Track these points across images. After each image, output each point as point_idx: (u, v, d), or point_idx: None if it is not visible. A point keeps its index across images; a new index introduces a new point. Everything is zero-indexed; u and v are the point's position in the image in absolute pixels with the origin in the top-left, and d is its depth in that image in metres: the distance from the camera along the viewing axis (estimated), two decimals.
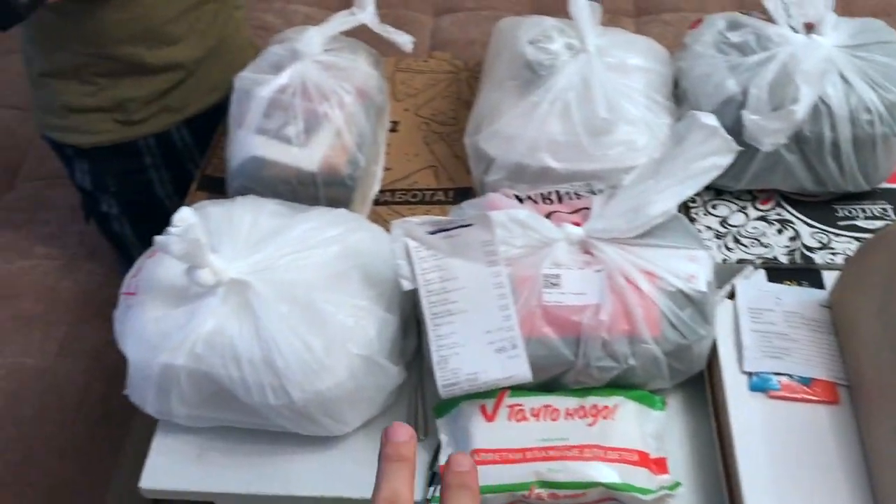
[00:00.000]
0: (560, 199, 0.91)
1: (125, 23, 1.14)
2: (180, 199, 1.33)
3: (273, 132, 1.00)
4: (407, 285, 0.81)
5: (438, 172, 1.09)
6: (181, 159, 1.30)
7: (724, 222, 0.99)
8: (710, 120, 0.82)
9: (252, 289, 0.81)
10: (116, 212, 1.31)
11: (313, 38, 1.00)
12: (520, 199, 0.91)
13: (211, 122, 1.16)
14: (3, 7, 0.88)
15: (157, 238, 0.78)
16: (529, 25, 1.03)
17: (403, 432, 0.43)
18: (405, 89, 1.20)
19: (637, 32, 1.86)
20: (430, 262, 0.82)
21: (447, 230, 0.81)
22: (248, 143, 0.99)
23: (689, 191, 0.83)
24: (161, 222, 1.33)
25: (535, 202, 0.91)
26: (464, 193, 1.05)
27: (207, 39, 1.24)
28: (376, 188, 1.07)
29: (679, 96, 1.05)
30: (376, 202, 1.05)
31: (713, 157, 0.83)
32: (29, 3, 0.90)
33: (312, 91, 0.99)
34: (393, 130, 1.15)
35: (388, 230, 1.01)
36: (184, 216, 0.79)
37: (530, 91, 0.99)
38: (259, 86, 0.99)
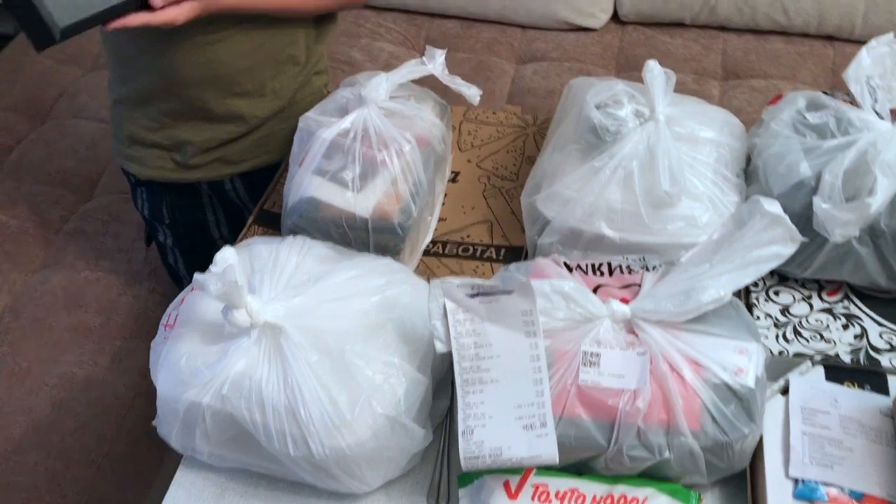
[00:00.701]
0: (611, 272, 0.87)
1: (196, 65, 1.16)
2: (234, 239, 1.34)
3: (331, 174, 1.00)
4: (441, 347, 0.79)
5: (493, 228, 1.07)
6: (237, 207, 1.32)
7: (785, 311, 0.94)
8: (775, 207, 0.77)
9: (285, 334, 0.80)
10: (171, 243, 1.33)
11: (380, 85, 1.00)
12: (569, 268, 0.88)
13: (267, 179, 1.17)
14: (40, 27, 0.90)
15: (197, 276, 0.78)
16: (599, 88, 1.00)
17: None
18: (470, 140, 1.19)
19: (723, 97, 1.81)
20: (467, 325, 0.80)
21: (487, 295, 0.79)
22: (305, 182, 0.99)
23: (746, 279, 0.79)
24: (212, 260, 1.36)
25: (585, 272, 0.88)
26: (516, 253, 1.03)
27: (279, 100, 1.25)
28: (428, 238, 1.05)
29: (750, 174, 1.01)
30: (426, 252, 1.04)
31: (775, 245, 0.78)
32: (68, 27, 0.91)
33: (373, 137, 0.98)
34: (453, 181, 1.13)
35: (436, 277, 1.00)
36: (225, 256, 0.79)
37: (593, 155, 0.96)
38: (322, 128, 1.00)
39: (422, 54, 2.01)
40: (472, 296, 0.80)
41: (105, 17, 0.94)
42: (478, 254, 1.03)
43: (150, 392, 1.41)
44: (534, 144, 1.17)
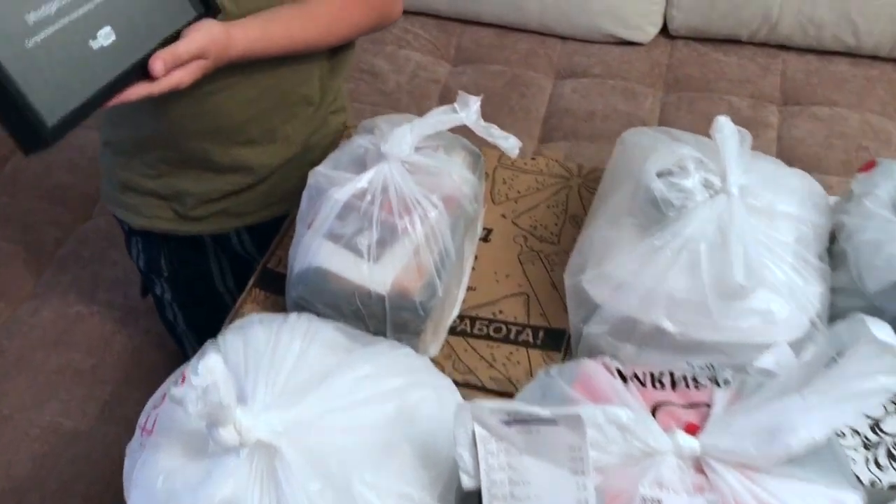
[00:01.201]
0: (674, 385, 0.73)
1: (196, 117, 1.02)
2: (240, 292, 1.20)
3: (344, 239, 0.86)
4: (468, 483, 0.65)
5: (530, 303, 0.92)
6: (244, 259, 1.18)
7: (876, 426, 0.79)
8: (885, 333, 0.62)
9: (280, 455, 0.67)
10: (169, 297, 1.19)
11: (403, 138, 0.85)
12: (623, 377, 0.74)
13: (277, 231, 1.03)
14: (26, 129, 0.73)
15: (173, 391, 0.65)
16: (661, 151, 0.85)
17: None
18: (505, 190, 1.04)
19: (782, 126, 1.65)
20: (501, 458, 0.66)
21: (527, 423, 0.65)
22: (313, 249, 0.86)
23: (844, 417, 0.64)
24: (218, 315, 1.21)
25: (642, 384, 0.73)
26: (556, 337, 0.88)
27: (291, 146, 1.10)
28: (455, 313, 0.91)
29: (835, 256, 0.86)
30: (452, 330, 0.90)
31: (882, 376, 0.63)
32: (58, 125, 0.75)
33: (393, 200, 0.84)
34: (485, 240, 0.99)
35: (461, 366, 0.86)
36: (210, 366, 0.65)
37: (652, 232, 0.81)
38: (334, 186, 0.86)
39: (452, 65, 1.87)
40: (508, 423, 0.66)
41: (101, 98, 0.79)
42: (512, 335, 0.89)
43: None
44: (578, 200, 1.02)
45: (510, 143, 0.91)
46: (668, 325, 0.80)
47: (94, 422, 1.25)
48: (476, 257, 0.97)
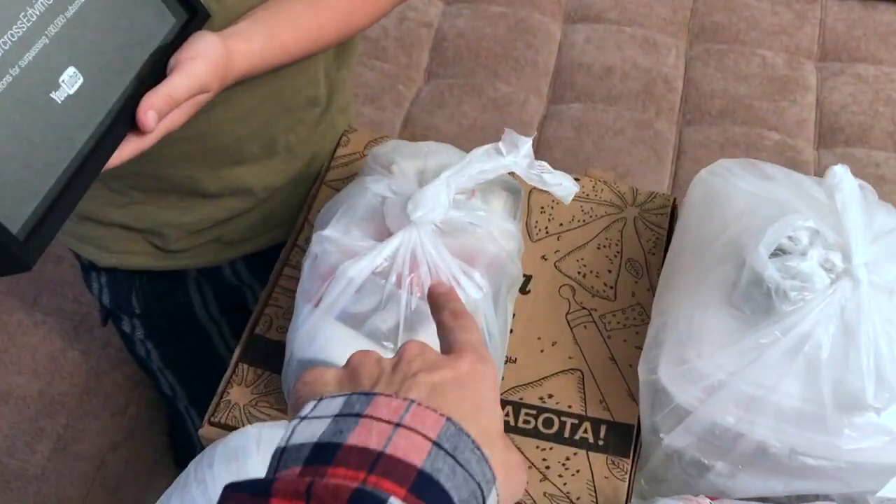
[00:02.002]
0: None
1: (181, 140, 0.74)
2: (227, 320, 1.01)
3: (359, 319, 0.67)
4: None
5: (585, 383, 0.75)
6: (234, 287, 0.98)
7: None
8: None
9: None
10: (141, 335, 0.98)
11: (438, 200, 0.65)
12: None
13: (278, 256, 0.83)
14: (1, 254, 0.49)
15: None
16: (766, 213, 0.67)
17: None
18: (545, 222, 0.85)
19: (821, 87, 1.46)
20: None
21: None
22: (320, 332, 0.67)
23: None
24: (198, 347, 1.02)
25: None
26: (624, 435, 0.72)
27: (297, 159, 0.88)
28: None
29: None
30: None
31: None
32: (38, 246, 0.51)
33: (424, 280, 0.65)
34: (523, 291, 0.81)
35: None
36: None
37: (758, 326, 0.64)
38: (346, 258, 0.66)
39: (446, 3, 1.62)
40: None
41: (88, 171, 0.55)
42: (566, 432, 0.72)
43: (107, 489, 1.12)
44: (635, 239, 0.84)
45: (566, 191, 0.71)
46: (773, 440, 0.64)
47: (46, 462, 1.07)
48: (514, 314, 0.79)
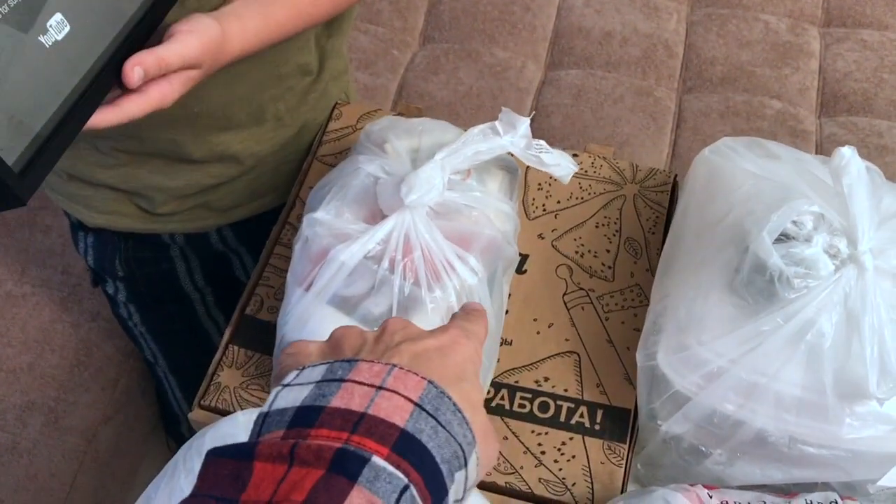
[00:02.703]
0: None
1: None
2: (213, 290, 0.99)
3: (351, 303, 0.66)
4: None
5: (581, 365, 0.74)
6: (220, 254, 0.96)
7: None
8: None
9: None
10: (123, 298, 0.97)
11: (432, 182, 0.63)
12: None
13: (268, 223, 0.81)
14: None
15: None
16: (771, 197, 0.65)
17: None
18: (542, 199, 0.83)
19: (825, 54, 1.43)
20: None
21: None
22: (312, 317, 0.65)
23: None
24: (181, 316, 1.00)
25: None
26: (621, 419, 0.71)
27: (286, 128, 0.86)
28: (488, 379, 0.73)
29: None
30: (487, 405, 0.72)
31: None
32: (32, 181, 0.51)
33: (419, 266, 0.64)
34: (520, 271, 0.79)
35: (503, 463, 0.69)
36: None
37: (760, 313, 0.63)
38: (338, 242, 0.64)
39: None
40: None
41: (78, 115, 0.55)
42: (562, 416, 0.71)
43: (97, 464, 1.11)
44: (634, 217, 0.82)
45: (566, 169, 0.69)
46: (771, 427, 0.63)
47: (38, 436, 1.06)
48: (510, 294, 0.77)
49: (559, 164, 0.69)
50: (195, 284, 0.97)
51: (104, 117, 0.57)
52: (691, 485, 0.61)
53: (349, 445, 0.33)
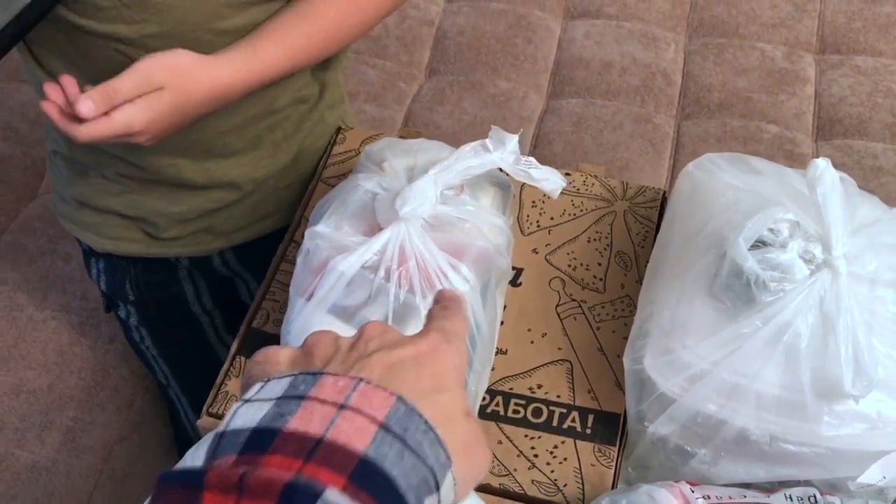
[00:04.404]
0: None
1: None
2: (221, 313, 1.03)
3: (349, 312, 0.69)
4: None
5: (574, 373, 0.77)
6: (225, 279, 1.00)
7: None
8: None
9: None
10: (135, 321, 1.02)
11: (425, 195, 0.67)
12: None
13: (269, 246, 0.85)
14: None
15: None
16: (749, 206, 0.68)
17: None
18: (536, 216, 0.87)
19: (820, 79, 1.46)
20: None
21: None
22: (313, 326, 0.69)
23: None
24: (191, 338, 1.04)
25: None
26: (610, 423, 0.74)
27: (281, 154, 0.90)
28: (483, 387, 0.76)
29: None
30: (482, 411, 0.75)
31: None
32: None
33: (414, 274, 0.67)
34: (514, 284, 0.82)
35: (497, 466, 0.71)
36: None
37: (739, 316, 0.66)
38: (337, 253, 0.68)
39: (447, 0, 1.63)
40: None
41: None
42: (554, 421, 0.74)
43: (114, 481, 1.15)
44: (625, 232, 0.85)
45: (554, 184, 0.73)
46: (752, 427, 0.66)
47: (56, 453, 1.10)
48: (505, 306, 0.81)
49: (548, 179, 0.73)
50: (204, 307, 1.01)
51: (77, 130, 0.63)
52: (675, 481, 0.64)
53: (301, 477, 0.31)
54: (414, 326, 0.67)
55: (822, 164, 0.68)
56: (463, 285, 0.68)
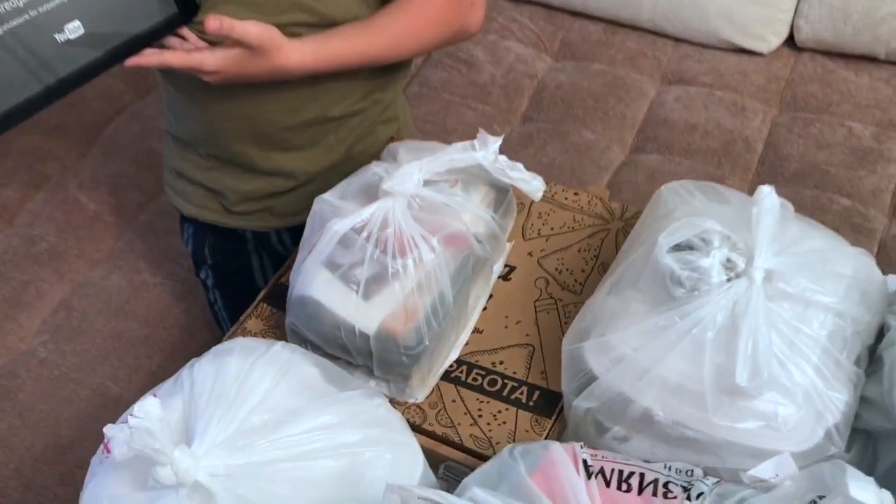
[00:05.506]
0: (641, 489, 0.66)
1: (235, 119, 1.01)
2: None
3: (342, 270, 0.83)
4: None
5: (533, 357, 0.87)
6: (284, 256, 1.18)
7: None
8: (864, 492, 0.54)
9: (215, 500, 0.66)
10: (211, 283, 1.22)
11: (410, 176, 0.81)
12: (588, 471, 0.68)
13: None
14: None
15: (108, 427, 0.65)
16: (687, 220, 0.76)
17: None
18: (539, 225, 0.98)
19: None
20: None
21: None
22: (310, 277, 0.84)
23: None
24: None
25: (607, 483, 0.67)
26: (552, 401, 0.83)
27: (334, 153, 1.08)
28: (453, 356, 0.87)
29: (874, 361, 0.75)
30: (447, 375, 0.86)
31: None
32: (8, 113, 0.76)
33: (390, 238, 0.81)
34: (505, 278, 0.94)
35: (444, 418, 0.82)
36: (146, 409, 0.65)
37: (660, 310, 0.74)
38: (336, 217, 0.83)
39: (554, 59, 1.78)
40: None
41: (63, 87, 0.79)
42: (506, 392, 0.84)
43: None
44: (613, 247, 0.95)
45: (533, 187, 0.85)
46: (659, 412, 0.73)
47: (138, 391, 1.30)
48: (492, 295, 0.92)
49: (527, 181, 0.85)
50: (266, 280, 1.18)
51: (147, 58, 0.82)
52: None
53: None
54: (381, 283, 0.80)
55: (766, 190, 0.76)
56: (427, 254, 0.80)
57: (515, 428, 0.81)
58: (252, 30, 0.86)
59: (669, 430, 0.73)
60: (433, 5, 0.98)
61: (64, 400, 1.29)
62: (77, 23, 0.78)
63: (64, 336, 1.36)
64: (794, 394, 0.71)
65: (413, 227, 0.81)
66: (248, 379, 0.75)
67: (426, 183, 0.83)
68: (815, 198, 1.43)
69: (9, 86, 0.77)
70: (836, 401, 0.72)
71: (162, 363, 1.33)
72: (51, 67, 0.78)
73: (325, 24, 0.95)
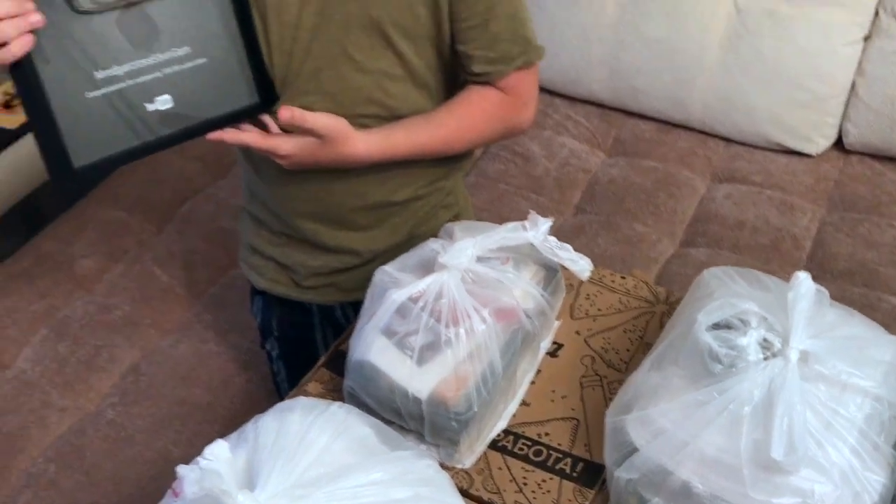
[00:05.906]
0: None
1: (306, 200, 1.11)
2: None
3: (398, 337, 0.89)
4: None
5: (578, 431, 0.90)
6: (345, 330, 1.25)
7: None
8: None
9: None
10: (276, 355, 1.29)
11: (464, 252, 0.87)
12: None
13: None
14: (55, 164, 0.84)
15: (180, 468, 0.71)
16: (726, 300, 0.81)
17: None
18: (587, 306, 1.03)
19: None
20: None
21: None
22: (368, 342, 0.89)
23: None
24: None
25: None
26: (595, 472, 0.86)
27: (397, 234, 1.16)
28: (500, 426, 0.91)
29: None
30: (494, 444, 0.90)
31: None
32: (87, 167, 0.86)
33: (444, 309, 0.86)
34: (552, 354, 0.98)
35: (490, 484, 0.86)
36: (216, 452, 0.70)
37: (699, 386, 0.77)
38: (394, 287, 0.89)
39: (607, 155, 1.86)
40: None
41: (141, 152, 0.89)
42: (550, 462, 0.87)
43: None
44: (657, 329, 0.99)
45: (580, 266, 0.90)
46: (697, 483, 0.76)
47: (199, 455, 1.35)
48: (539, 371, 0.96)
49: (574, 261, 0.90)
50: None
51: (229, 135, 0.91)
52: None
53: None
54: (434, 350, 0.85)
55: (803, 276, 0.80)
56: (479, 325, 0.86)
57: (559, 497, 0.84)
58: (322, 121, 0.94)
59: (708, 503, 0.75)
60: (490, 103, 1.07)
61: (128, 460, 1.35)
62: (167, 97, 0.88)
63: (131, 399, 1.43)
64: (830, 473, 0.73)
65: (466, 299, 0.87)
66: (307, 434, 0.80)
67: (479, 259, 0.90)
68: (864, 295, 1.45)
69: (110, 137, 0.87)
70: (873, 482, 0.74)
71: (222, 430, 1.39)
72: (143, 129, 0.89)
73: (393, 116, 1.04)
